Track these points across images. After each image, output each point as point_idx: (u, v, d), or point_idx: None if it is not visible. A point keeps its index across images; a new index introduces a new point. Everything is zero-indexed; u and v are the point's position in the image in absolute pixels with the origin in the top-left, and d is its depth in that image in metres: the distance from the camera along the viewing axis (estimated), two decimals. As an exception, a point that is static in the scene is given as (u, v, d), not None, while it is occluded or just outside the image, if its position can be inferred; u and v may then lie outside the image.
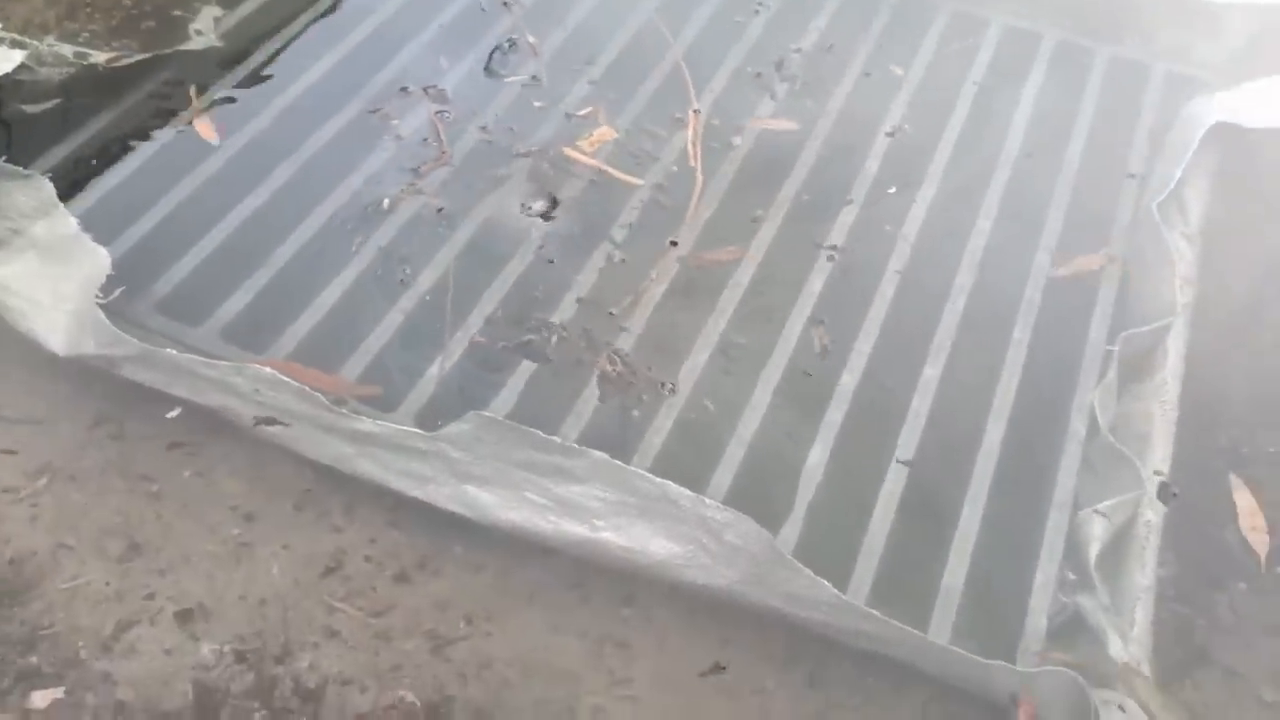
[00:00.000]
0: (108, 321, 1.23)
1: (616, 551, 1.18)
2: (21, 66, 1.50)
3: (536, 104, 1.72)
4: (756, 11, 1.92)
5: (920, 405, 1.38)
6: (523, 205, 1.56)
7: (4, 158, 1.39)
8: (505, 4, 1.87)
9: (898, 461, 1.33)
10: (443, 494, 1.22)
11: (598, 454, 1.19)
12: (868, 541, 1.24)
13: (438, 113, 1.67)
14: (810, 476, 1.30)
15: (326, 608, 1.16)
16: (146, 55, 1.66)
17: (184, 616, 1.14)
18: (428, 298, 1.44)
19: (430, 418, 1.30)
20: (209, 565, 1.18)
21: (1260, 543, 1.30)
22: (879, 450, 1.34)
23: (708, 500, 1.16)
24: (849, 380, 1.40)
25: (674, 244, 1.53)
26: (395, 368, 1.36)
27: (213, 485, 1.24)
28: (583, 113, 1.71)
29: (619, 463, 1.18)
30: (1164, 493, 1.29)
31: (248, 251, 1.46)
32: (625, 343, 1.41)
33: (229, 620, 1.14)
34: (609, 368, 1.39)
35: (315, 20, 1.80)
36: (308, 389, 1.20)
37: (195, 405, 1.27)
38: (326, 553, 1.21)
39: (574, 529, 1.19)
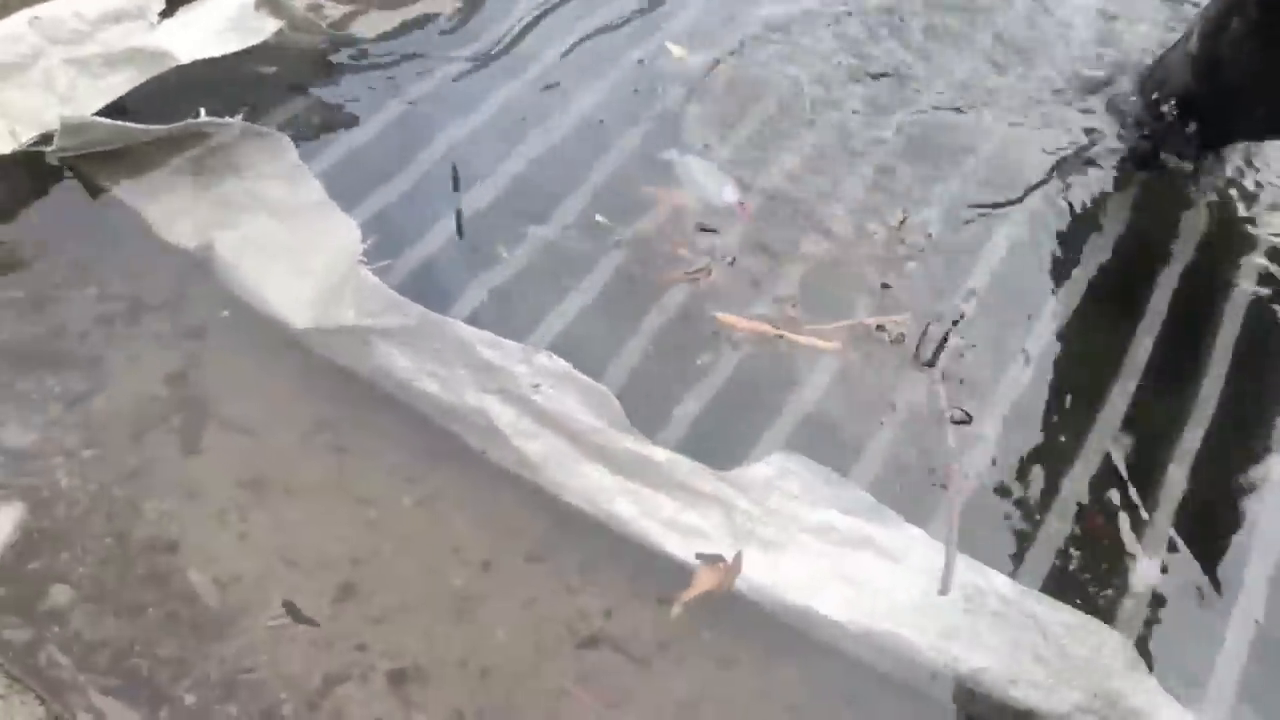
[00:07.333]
0: (382, 284, 1.09)
1: (917, 657, 0.95)
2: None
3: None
4: None
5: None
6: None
7: (241, 115, 1.27)
8: None
9: None
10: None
11: (915, 530, 0.97)
12: None
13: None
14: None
15: (555, 690, 0.98)
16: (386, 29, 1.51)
17: (397, 677, 0.97)
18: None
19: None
20: (428, 619, 1.01)
21: None
22: None
23: (1041, 595, 0.93)
24: None
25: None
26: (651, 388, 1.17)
27: (436, 520, 1.07)
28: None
29: (940, 542, 0.96)
30: None
31: (490, 236, 1.29)
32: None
33: (447, 689, 0.97)
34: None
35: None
36: (603, 390, 1.05)
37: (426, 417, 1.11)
38: (559, 619, 1.02)
39: (867, 622, 0.96)
